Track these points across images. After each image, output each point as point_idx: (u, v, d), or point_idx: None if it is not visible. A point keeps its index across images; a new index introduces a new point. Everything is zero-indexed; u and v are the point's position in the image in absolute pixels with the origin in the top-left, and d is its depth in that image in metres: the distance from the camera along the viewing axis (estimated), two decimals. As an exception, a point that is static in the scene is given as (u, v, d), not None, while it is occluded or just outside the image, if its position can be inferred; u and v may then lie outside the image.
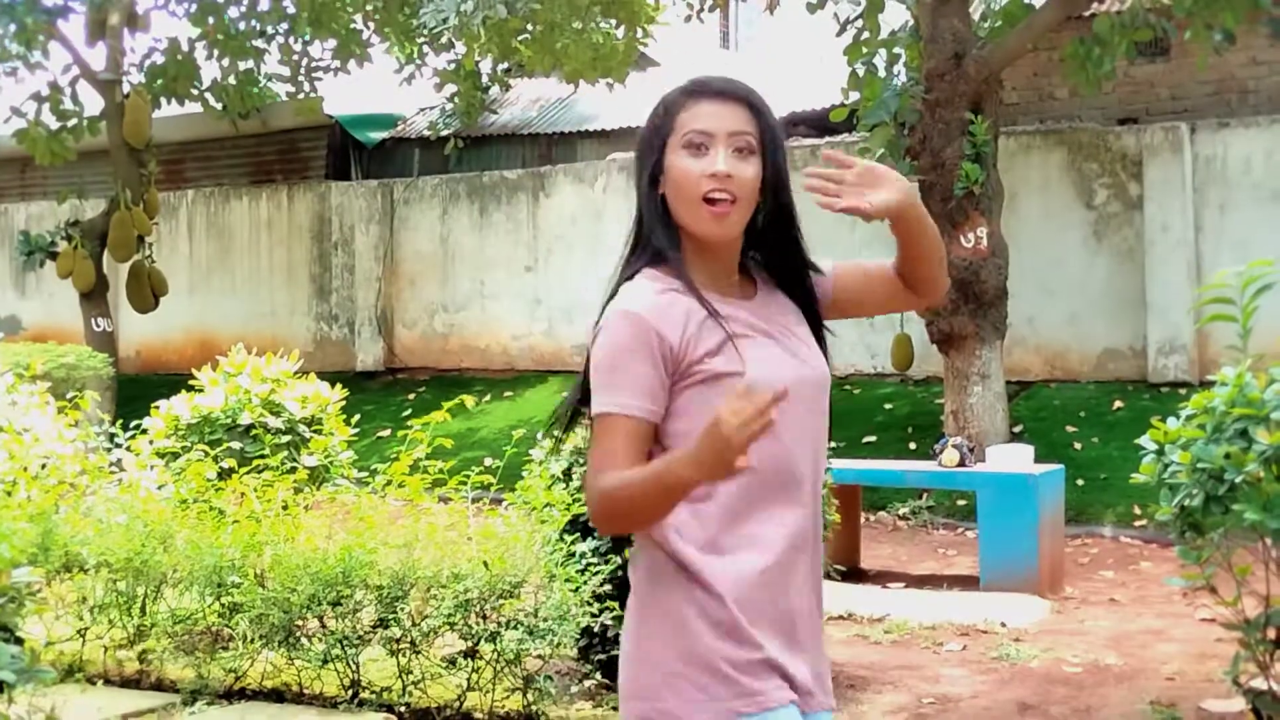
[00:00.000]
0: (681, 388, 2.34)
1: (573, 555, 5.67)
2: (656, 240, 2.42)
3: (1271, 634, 5.15)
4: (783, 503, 2.40)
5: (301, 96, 16.11)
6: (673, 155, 2.39)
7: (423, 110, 17.70)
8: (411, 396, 14.68)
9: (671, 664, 2.38)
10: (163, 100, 15.57)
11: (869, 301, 2.65)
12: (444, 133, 16.65)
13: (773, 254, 2.54)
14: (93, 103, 15.36)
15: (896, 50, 11.42)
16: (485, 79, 17.09)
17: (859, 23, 11.69)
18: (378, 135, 17.40)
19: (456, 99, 16.80)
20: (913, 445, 11.39)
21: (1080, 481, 10.27)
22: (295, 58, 15.93)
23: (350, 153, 17.41)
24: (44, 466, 6.92)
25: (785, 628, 2.40)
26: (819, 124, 14.26)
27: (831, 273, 2.61)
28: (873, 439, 11.76)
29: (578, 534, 5.87)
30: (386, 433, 12.77)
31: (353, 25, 15.81)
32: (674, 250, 2.41)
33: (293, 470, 6.77)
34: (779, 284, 2.54)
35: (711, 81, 2.43)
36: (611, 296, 2.41)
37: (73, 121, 15.35)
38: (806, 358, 2.46)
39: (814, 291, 2.56)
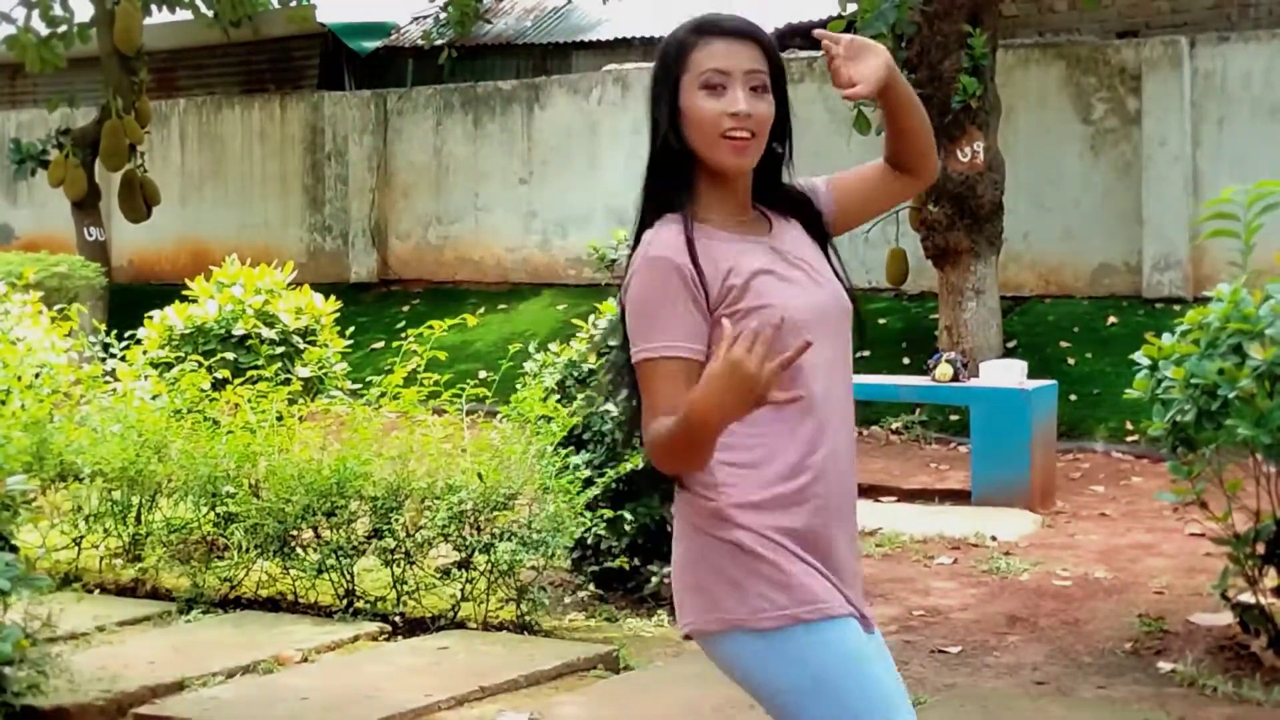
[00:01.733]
0: (719, 320, 2.37)
1: (567, 468, 5.69)
2: (674, 181, 2.45)
3: (1260, 549, 5.19)
4: (814, 430, 2.45)
5: (294, 4, 15.93)
6: (690, 94, 2.43)
7: (416, 19, 17.52)
8: (405, 309, 14.65)
9: (731, 576, 2.40)
10: (153, 7, 15.40)
11: (873, 201, 2.69)
12: (438, 42, 16.49)
13: (777, 187, 2.58)
14: (83, 9, 15.20)
15: (895, -39, 11.29)
16: (479, -13, 16.89)
17: (858, -67, 11.55)
18: (371, 44, 17.22)
19: (450, 7, 16.63)
20: (906, 360, 11.40)
21: (1073, 397, 10.29)
22: (287, -35, 15.75)
23: (343, 62, 17.25)
24: (38, 376, 6.92)
25: (825, 550, 2.45)
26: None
27: (830, 187, 2.65)
28: (866, 354, 11.75)
29: (572, 447, 5.88)
30: (380, 345, 12.76)
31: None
32: (689, 190, 2.46)
33: (287, 381, 6.77)
34: (789, 213, 2.58)
35: (722, 20, 2.47)
36: (635, 243, 2.46)
37: (63, 28, 15.17)
38: (825, 285, 2.51)
39: (820, 214, 2.60)
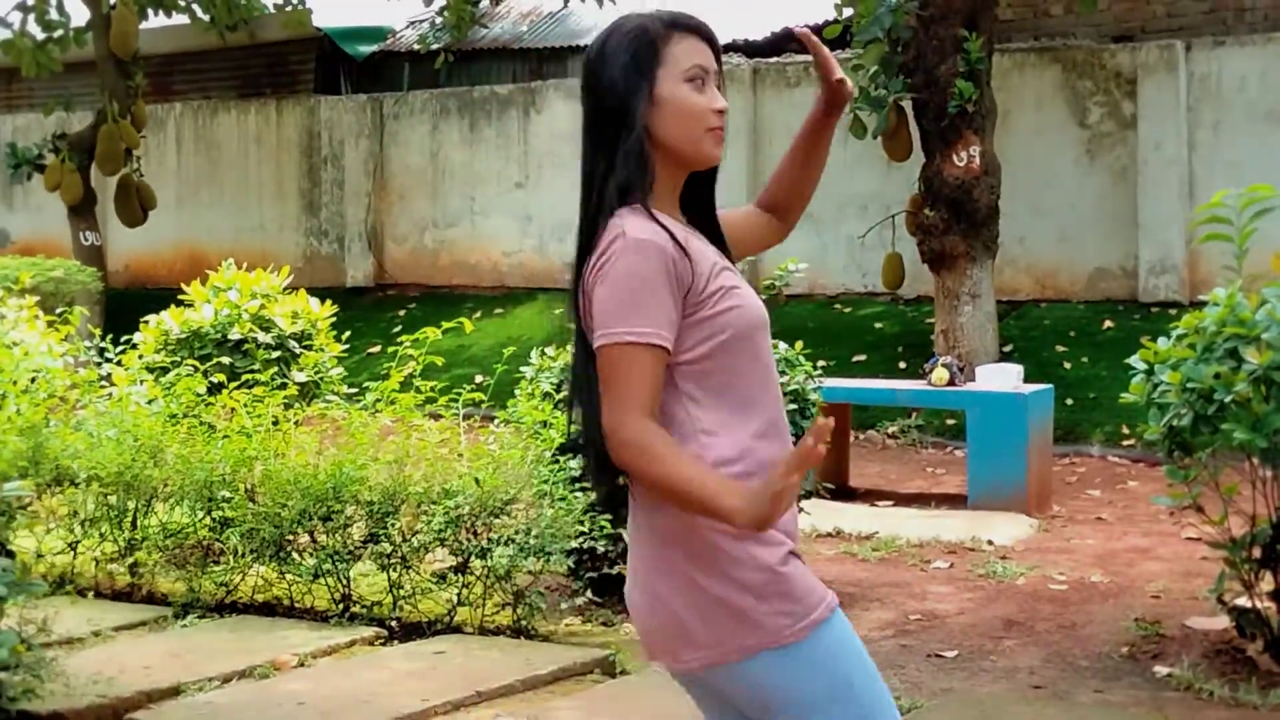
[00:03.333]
0: (689, 323, 2.35)
1: (562, 471, 5.68)
2: (638, 173, 2.40)
3: (1256, 553, 5.19)
4: (776, 429, 2.46)
5: (289, 8, 15.93)
6: (675, 86, 2.41)
7: (412, 24, 17.51)
8: (402, 313, 14.65)
9: (739, 599, 2.34)
10: (149, 11, 15.39)
11: (742, 244, 2.69)
12: (434, 46, 16.48)
13: (709, 197, 2.58)
14: (79, 13, 15.19)
15: (891, -35, 11.30)
16: (475, -8, 16.89)
17: (854, -63, 11.55)
18: (367, 49, 17.21)
19: (446, 12, 16.62)
20: (903, 364, 11.40)
21: (1069, 401, 10.30)
22: (283, -31, 15.74)
23: (339, 66, 17.24)
24: (34, 380, 6.91)
25: (793, 533, 2.47)
26: (812, 40, 14.13)
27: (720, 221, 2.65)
28: (862, 358, 11.78)
29: (570, 452, 5.87)
30: (377, 349, 12.76)
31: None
32: (652, 183, 2.42)
33: (283, 386, 6.76)
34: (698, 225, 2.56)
35: (690, 18, 2.47)
36: (589, 232, 2.40)
37: (59, 32, 15.16)
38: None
39: (722, 233, 2.60)
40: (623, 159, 2.40)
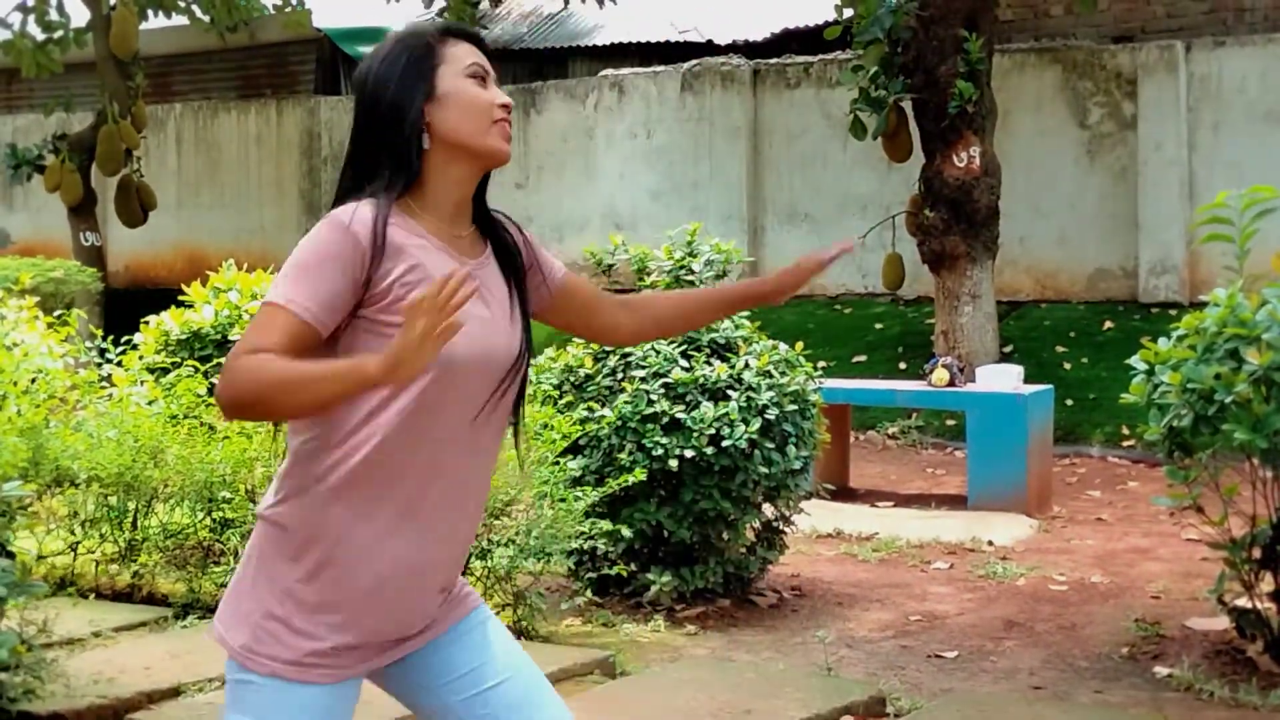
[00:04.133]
0: (361, 320, 2.31)
1: (562, 472, 5.68)
2: (399, 171, 2.38)
3: (1257, 553, 5.19)
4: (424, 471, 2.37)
5: (289, 9, 15.93)
6: (458, 81, 2.41)
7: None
8: (402, 313, 14.66)
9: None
10: (149, 12, 15.39)
11: (578, 323, 2.71)
12: (434, 47, 16.47)
13: (483, 205, 2.53)
14: (79, 14, 15.18)
15: (891, -34, 11.30)
16: (476, -7, 16.89)
17: (854, -62, 11.55)
18: (367, 49, 17.18)
19: (446, 13, 16.62)
20: (903, 365, 11.40)
21: (1069, 401, 10.30)
22: (283, -30, 15.74)
23: (339, 67, 17.25)
24: (34, 381, 6.91)
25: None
26: (813, 41, 14.14)
27: (565, 278, 2.62)
28: (863, 358, 11.78)
29: (570, 454, 5.88)
30: (377, 349, 12.76)
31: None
32: (409, 184, 2.39)
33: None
34: (490, 237, 2.52)
35: (463, 27, 2.51)
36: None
37: (59, 33, 15.16)
38: (504, 334, 2.43)
39: (518, 253, 2.53)
40: (388, 157, 2.39)
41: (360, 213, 2.31)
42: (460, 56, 2.43)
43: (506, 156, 2.45)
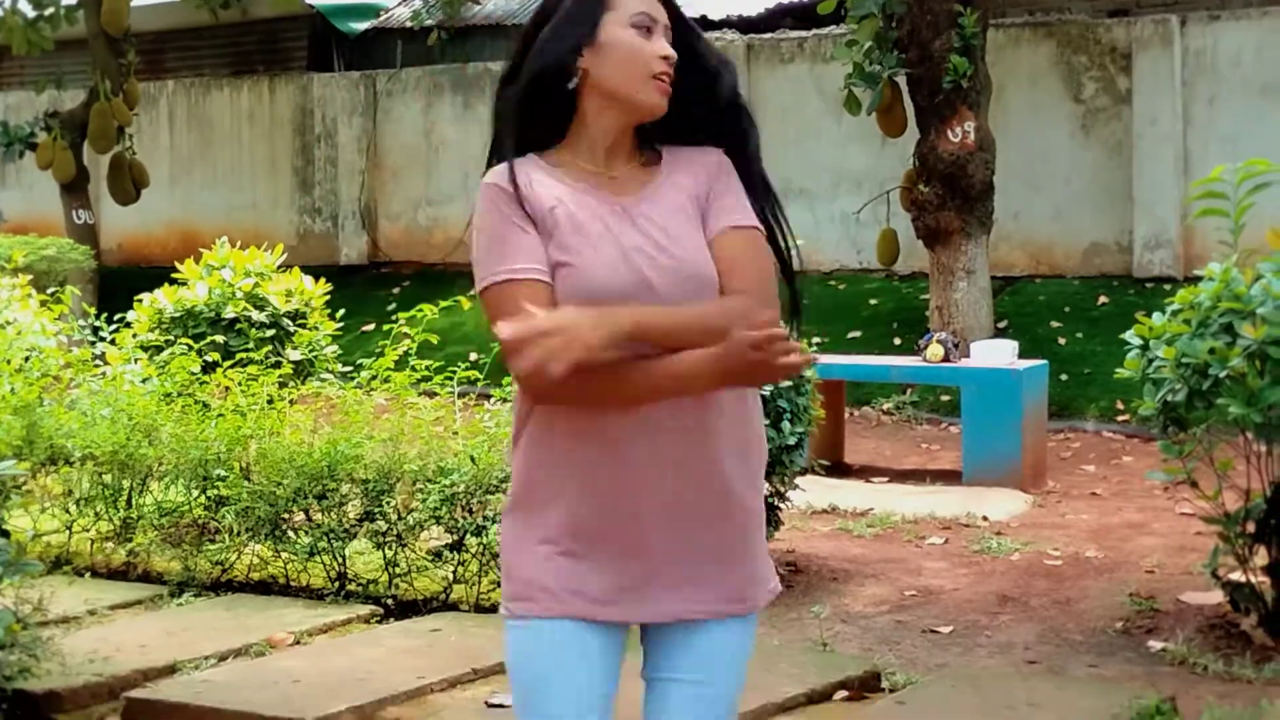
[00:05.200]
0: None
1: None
2: (548, 117, 2.44)
3: (1251, 528, 5.20)
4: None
5: (282, -15, 15.86)
6: (619, 30, 2.41)
7: (404, 0, 17.45)
8: (396, 290, 14.63)
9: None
10: (141, -11, 15.33)
11: None
12: (427, 23, 16.42)
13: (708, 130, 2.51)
14: (70, -9, 15.11)
15: (886, -60, 11.25)
16: (468, -32, 16.82)
17: (848, -88, 11.50)
18: (360, 25, 17.15)
19: (439, -10, 16.57)
20: (898, 340, 11.40)
21: (1064, 376, 10.30)
22: (275, -55, 15.67)
23: (332, 43, 17.17)
24: (27, 360, 6.90)
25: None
26: (807, 16, 14.10)
27: (719, 228, 2.47)
28: (857, 334, 11.77)
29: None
30: (371, 327, 12.74)
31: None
32: (559, 129, 2.46)
33: (277, 364, 6.75)
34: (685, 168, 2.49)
35: None
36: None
37: (50, 10, 15.08)
38: (663, 259, 2.39)
39: (689, 198, 2.47)
40: (534, 99, 2.44)
41: (497, 169, 2.43)
42: (628, 4, 2.42)
43: (661, 110, 2.44)
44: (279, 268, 8.13)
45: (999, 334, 10.86)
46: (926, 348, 8.64)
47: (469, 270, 2.45)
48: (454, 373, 6.11)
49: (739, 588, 2.47)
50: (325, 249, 15.94)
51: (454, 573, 5.73)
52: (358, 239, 15.82)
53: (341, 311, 8.32)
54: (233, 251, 8.10)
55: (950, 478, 8.41)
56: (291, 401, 6.38)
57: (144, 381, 6.55)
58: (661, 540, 2.40)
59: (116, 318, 7.49)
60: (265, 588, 5.95)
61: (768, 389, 5.88)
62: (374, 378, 6.12)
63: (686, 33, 2.48)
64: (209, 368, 6.70)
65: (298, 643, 5.24)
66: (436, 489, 5.57)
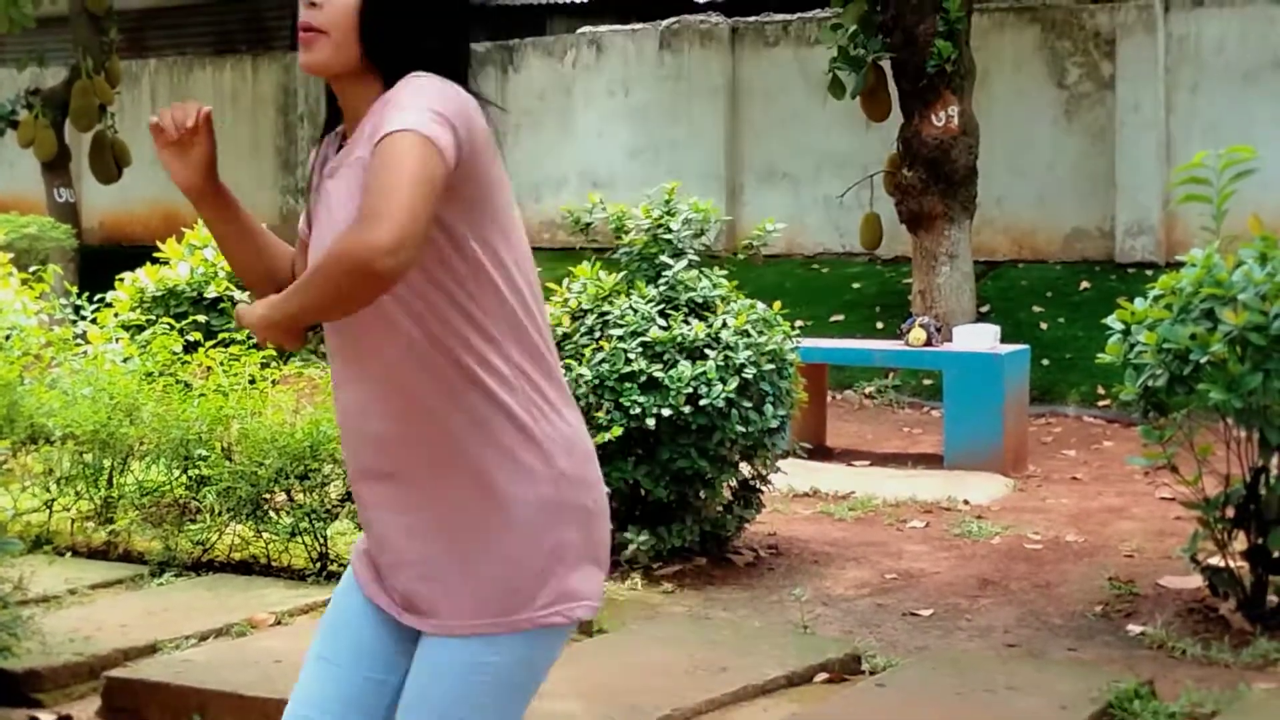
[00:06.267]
0: None
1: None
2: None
3: (1230, 512, 5.23)
4: (354, 376, 2.36)
5: (265, -36, 15.81)
6: None
7: (389, -20, 17.40)
8: (378, 271, 14.60)
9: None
10: (123, -34, 15.26)
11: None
12: (411, 3, 16.37)
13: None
14: (51, -32, 15.03)
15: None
16: (453, -52, 16.74)
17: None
18: (343, 5, 17.10)
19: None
20: (880, 324, 11.42)
21: (1045, 361, 10.33)
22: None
23: (315, 23, 17.13)
24: (8, 338, 6.87)
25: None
26: (791, -1, 14.09)
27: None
28: (840, 318, 11.79)
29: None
30: (353, 307, 12.71)
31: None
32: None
33: (259, 344, 6.73)
34: None
35: None
36: None
37: (31, -13, 15.03)
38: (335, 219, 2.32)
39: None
40: None
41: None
42: None
43: (304, 70, 2.34)
44: (261, 248, 8.09)
45: (981, 318, 10.88)
46: (909, 332, 8.65)
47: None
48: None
49: None
50: (308, 229, 15.89)
51: (436, 554, 5.72)
52: (340, 219, 15.78)
53: (324, 292, 8.28)
54: (215, 231, 8.07)
55: (932, 461, 8.43)
56: (274, 382, 6.37)
57: (125, 361, 6.53)
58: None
59: (98, 297, 7.46)
60: (247, 568, 5.94)
61: (750, 371, 5.89)
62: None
63: None
64: (191, 347, 6.68)
65: (279, 623, 5.23)
66: (419, 470, 5.56)
